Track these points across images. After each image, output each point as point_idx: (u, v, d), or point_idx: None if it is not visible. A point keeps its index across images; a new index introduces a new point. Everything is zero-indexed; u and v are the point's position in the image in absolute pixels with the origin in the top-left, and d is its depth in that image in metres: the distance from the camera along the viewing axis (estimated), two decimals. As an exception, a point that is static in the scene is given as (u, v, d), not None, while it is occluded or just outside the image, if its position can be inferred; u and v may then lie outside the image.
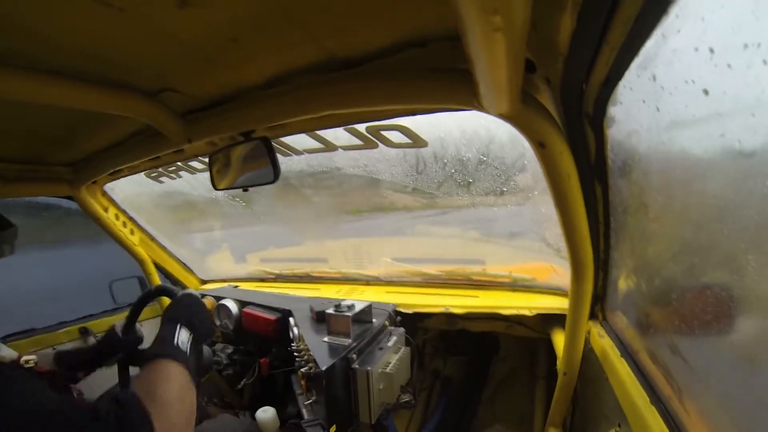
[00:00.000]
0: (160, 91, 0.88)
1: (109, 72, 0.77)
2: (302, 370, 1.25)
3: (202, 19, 0.59)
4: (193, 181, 1.69)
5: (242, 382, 1.63)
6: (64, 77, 0.74)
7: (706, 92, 0.44)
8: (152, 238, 2.03)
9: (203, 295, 1.88)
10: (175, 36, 0.64)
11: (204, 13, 0.57)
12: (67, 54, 0.68)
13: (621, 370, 0.88)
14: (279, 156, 1.03)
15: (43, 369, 0.85)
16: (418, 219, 1.86)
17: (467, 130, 1.22)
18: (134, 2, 0.54)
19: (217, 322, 1.81)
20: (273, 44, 0.69)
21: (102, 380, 1.43)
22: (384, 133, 1.11)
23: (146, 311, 1.70)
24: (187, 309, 0.97)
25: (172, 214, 2.16)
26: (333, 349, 1.25)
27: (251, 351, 1.71)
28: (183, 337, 0.86)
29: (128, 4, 0.54)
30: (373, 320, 1.43)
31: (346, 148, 1.24)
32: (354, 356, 1.23)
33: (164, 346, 0.83)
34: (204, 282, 2.35)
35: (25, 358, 0.83)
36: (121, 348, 1.27)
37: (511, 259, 1.78)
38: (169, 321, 0.90)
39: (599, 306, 1.11)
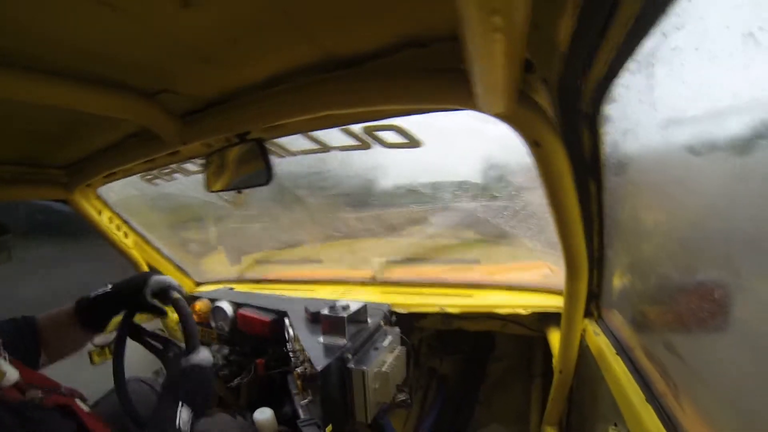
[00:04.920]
0: (158, 93, 0.87)
1: (108, 73, 0.75)
2: (298, 370, 1.25)
3: (202, 20, 0.58)
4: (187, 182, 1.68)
5: (237, 382, 1.62)
6: (62, 77, 0.73)
7: (703, 90, 0.45)
8: (146, 241, 2.00)
9: (198, 297, 1.88)
10: (175, 37, 0.63)
11: (205, 13, 0.56)
12: (66, 54, 0.66)
13: (617, 368, 0.89)
14: (273, 158, 1.02)
15: (51, 402, 0.81)
16: (414, 218, 1.86)
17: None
18: (135, 3, 0.53)
19: (213, 324, 1.80)
20: (272, 44, 0.68)
21: (100, 382, 1.42)
22: (378, 133, 1.10)
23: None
24: (191, 384, 0.93)
25: (166, 216, 2.14)
26: (328, 349, 1.25)
27: (247, 352, 1.70)
28: (185, 416, 0.84)
29: (129, 4, 0.53)
30: (369, 320, 1.43)
31: (340, 148, 1.23)
32: (349, 356, 1.23)
33: (165, 429, 0.81)
34: (199, 284, 2.33)
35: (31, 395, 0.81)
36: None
37: (506, 258, 1.78)
38: (170, 395, 0.88)
39: (594, 304, 1.12)
